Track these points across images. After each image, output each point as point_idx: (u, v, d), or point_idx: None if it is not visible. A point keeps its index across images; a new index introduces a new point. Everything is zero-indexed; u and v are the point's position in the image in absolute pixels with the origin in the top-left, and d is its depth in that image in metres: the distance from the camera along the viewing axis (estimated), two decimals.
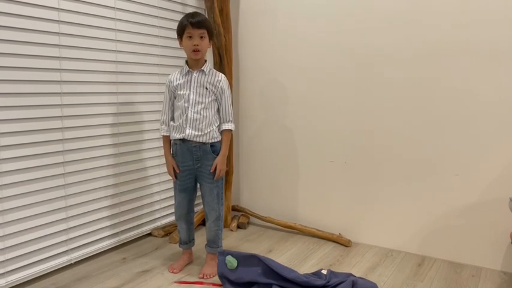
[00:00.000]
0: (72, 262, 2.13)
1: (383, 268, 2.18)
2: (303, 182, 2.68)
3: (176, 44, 2.09)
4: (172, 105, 2.06)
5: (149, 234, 2.57)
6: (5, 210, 1.83)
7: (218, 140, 2.04)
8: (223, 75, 2.05)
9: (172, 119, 2.06)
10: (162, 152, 2.12)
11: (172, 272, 2.10)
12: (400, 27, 2.27)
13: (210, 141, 2.01)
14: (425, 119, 2.26)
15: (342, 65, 2.46)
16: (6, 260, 1.86)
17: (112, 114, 2.25)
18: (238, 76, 2.83)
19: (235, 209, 2.85)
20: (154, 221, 2.58)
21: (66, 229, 2.08)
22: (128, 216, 2.40)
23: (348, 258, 2.30)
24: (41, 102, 1.92)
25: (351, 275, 1.94)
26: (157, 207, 2.58)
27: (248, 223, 2.81)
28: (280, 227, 2.71)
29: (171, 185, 2.19)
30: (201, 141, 2.00)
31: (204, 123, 1.98)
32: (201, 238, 2.41)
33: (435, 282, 2.04)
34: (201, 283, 2.00)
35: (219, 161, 2.03)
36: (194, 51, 1.96)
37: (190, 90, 1.99)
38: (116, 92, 2.25)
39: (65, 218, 2.07)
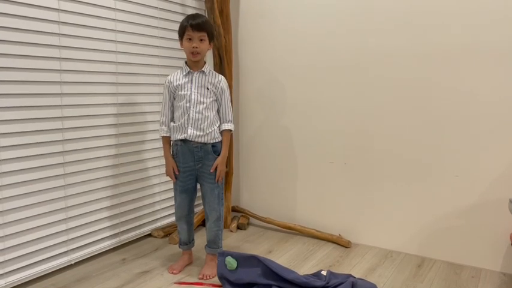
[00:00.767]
0: (72, 263, 2.13)
1: (383, 269, 2.18)
2: (303, 182, 2.68)
3: (176, 44, 2.09)
4: (172, 106, 2.06)
5: (149, 235, 2.57)
6: (5, 210, 1.83)
7: (219, 140, 2.05)
8: (222, 76, 2.06)
9: (172, 119, 2.06)
10: (162, 152, 2.12)
11: (172, 272, 2.10)
12: (400, 28, 2.27)
13: (212, 141, 2.02)
14: (425, 120, 2.26)
15: (342, 65, 2.46)
16: (6, 260, 1.86)
17: (112, 114, 2.25)
18: (238, 76, 2.83)
19: (235, 209, 2.85)
20: (154, 222, 2.58)
21: (66, 230, 2.08)
22: (128, 217, 2.40)
23: (347, 259, 2.30)
24: (41, 103, 1.92)
25: (350, 276, 1.94)
26: (157, 207, 2.59)
27: (248, 224, 2.81)
28: (280, 228, 2.71)
29: (171, 185, 2.19)
30: (202, 141, 2.00)
31: (205, 123, 1.99)
32: (200, 239, 2.41)
33: (435, 283, 2.04)
34: (201, 284, 2.00)
35: (220, 162, 2.03)
36: (193, 53, 1.96)
37: (191, 91, 1.99)
38: (116, 93, 2.26)
39: (65, 219, 2.07)
